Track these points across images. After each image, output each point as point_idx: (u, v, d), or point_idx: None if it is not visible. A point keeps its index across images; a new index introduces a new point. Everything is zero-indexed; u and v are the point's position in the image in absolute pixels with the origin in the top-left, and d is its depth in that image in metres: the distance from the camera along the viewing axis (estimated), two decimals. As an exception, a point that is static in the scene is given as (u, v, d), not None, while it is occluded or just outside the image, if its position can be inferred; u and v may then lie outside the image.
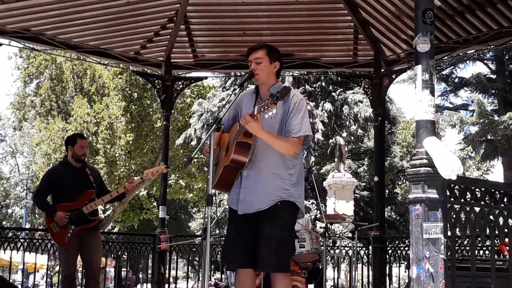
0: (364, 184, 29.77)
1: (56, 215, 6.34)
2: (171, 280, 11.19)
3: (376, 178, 9.06)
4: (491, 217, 3.75)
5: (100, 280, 7.70)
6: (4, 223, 38.75)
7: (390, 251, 9.38)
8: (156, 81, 9.48)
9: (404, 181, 30.42)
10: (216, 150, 4.50)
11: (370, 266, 9.42)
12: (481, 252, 8.33)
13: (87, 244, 6.55)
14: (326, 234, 6.98)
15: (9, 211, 42.27)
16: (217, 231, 6.99)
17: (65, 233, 6.38)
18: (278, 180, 4.30)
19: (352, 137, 24.76)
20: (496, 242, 4.21)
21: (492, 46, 9.03)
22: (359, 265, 9.74)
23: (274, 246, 4.19)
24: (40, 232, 9.23)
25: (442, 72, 25.90)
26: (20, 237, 9.09)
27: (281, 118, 4.32)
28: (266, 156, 4.31)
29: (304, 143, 4.38)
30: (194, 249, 9.92)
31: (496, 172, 35.35)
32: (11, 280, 10.14)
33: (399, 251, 9.44)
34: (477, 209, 3.67)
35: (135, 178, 6.80)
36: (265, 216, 4.25)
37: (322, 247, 6.87)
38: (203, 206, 26.57)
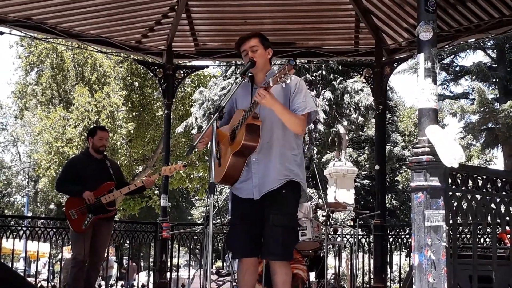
0: (364, 172, 29.81)
1: (85, 193, 6.59)
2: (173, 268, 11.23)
3: (377, 167, 9.08)
4: (493, 205, 3.76)
5: (101, 268, 7.83)
6: (6, 211, 38.83)
7: (391, 239, 9.41)
8: (157, 70, 9.47)
9: (405, 169, 30.46)
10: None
11: (371, 254, 9.45)
12: (482, 240, 8.38)
13: (99, 233, 6.79)
14: (327, 223, 7.02)
15: (11, 199, 42.34)
16: (219, 220, 7.04)
17: (83, 220, 6.63)
18: (285, 160, 4.35)
19: (353, 126, 24.76)
20: (497, 230, 4.22)
21: (493, 35, 9.02)
22: (360, 253, 9.78)
23: (279, 234, 4.23)
24: (42, 221, 9.27)
25: (443, 61, 25.83)
26: (22, 225, 9.12)
27: (283, 101, 4.33)
28: (273, 137, 4.35)
29: (309, 120, 4.43)
30: (196, 237, 9.95)
31: (496, 161, 35.38)
32: (13, 268, 10.18)
33: (399, 239, 9.47)
34: (478, 197, 3.68)
35: (153, 174, 7.07)
36: (271, 203, 4.28)
37: (324, 235, 6.90)
38: (202, 195, 26.64)
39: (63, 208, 7.01)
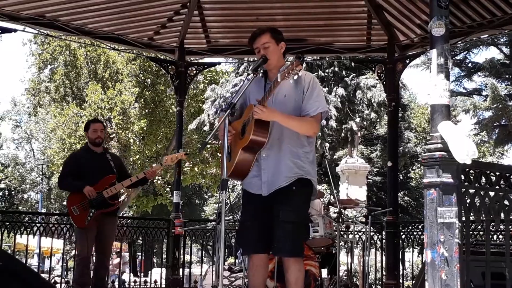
0: (377, 169, 29.72)
1: (85, 188, 6.50)
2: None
3: (389, 163, 9.04)
4: (506, 201, 3.74)
5: (109, 264, 7.81)
6: (20, 208, 39.03)
7: (403, 236, 9.38)
8: (170, 67, 9.50)
9: (418, 166, 30.35)
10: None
11: (383, 251, 9.43)
12: (495, 236, 8.34)
13: (104, 228, 6.70)
14: (340, 219, 7.01)
15: (25, 196, 42.55)
16: (231, 216, 7.04)
17: (85, 216, 6.53)
18: (295, 158, 4.34)
19: (365, 122, 24.69)
20: (510, 227, 4.20)
21: (506, 31, 8.96)
22: (372, 250, 9.76)
23: (290, 230, 4.22)
24: (56, 217, 9.32)
25: (456, 57, 25.69)
26: (36, 221, 9.16)
27: (296, 98, 4.35)
28: (284, 134, 4.35)
29: (320, 119, 4.44)
30: (208, 233, 9.97)
31: (509, 155, 35.21)
32: (27, 264, 10.24)
33: (412, 236, 9.44)
34: (491, 193, 3.66)
35: (154, 164, 6.95)
36: (281, 199, 4.28)
37: (336, 232, 6.90)
38: (216, 191, 26.67)
39: None
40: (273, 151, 4.35)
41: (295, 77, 4.03)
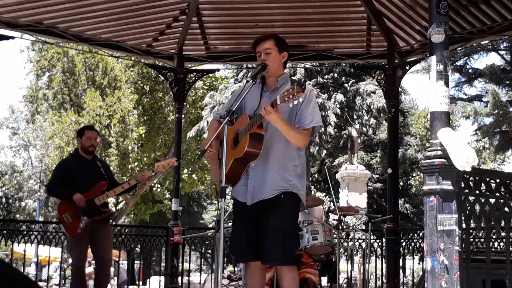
0: (377, 176, 29.71)
1: (75, 196, 6.35)
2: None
3: (389, 170, 9.01)
4: (506, 208, 3.72)
5: (110, 272, 7.72)
6: (17, 216, 38.98)
7: (403, 244, 9.34)
8: (168, 74, 9.48)
9: (418, 172, 30.33)
10: (217, 143, 4.47)
11: (383, 259, 9.39)
12: (496, 244, 8.31)
13: (98, 235, 6.57)
14: (339, 227, 6.98)
15: (22, 204, 42.48)
16: (230, 224, 7.00)
17: (78, 224, 6.39)
18: (283, 171, 4.32)
19: (364, 129, 24.69)
20: (511, 234, 4.17)
21: (506, 37, 8.95)
22: (373, 258, 9.72)
23: (279, 239, 4.20)
24: (53, 225, 9.27)
25: (456, 62, 25.71)
26: (34, 230, 9.12)
27: (290, 110, 4.30)
28: (273, 146, 4.33)
29: (312, 133, 4.42)
30: (207, 241, 9.93)
31: (510, 161, 35.20)
32: (24, 273, 10.19)
33: (412, 244, 9.40)
34: (492, 200, 3.64)
35: (146, 170, 6.83)
36: (269, 209, 4.27)
37: (336, 240, 6.87)
38: (215, 198, 26.66)
39: None
40: (261, 161, 4.32)
41: (295, 102, 3.96)
